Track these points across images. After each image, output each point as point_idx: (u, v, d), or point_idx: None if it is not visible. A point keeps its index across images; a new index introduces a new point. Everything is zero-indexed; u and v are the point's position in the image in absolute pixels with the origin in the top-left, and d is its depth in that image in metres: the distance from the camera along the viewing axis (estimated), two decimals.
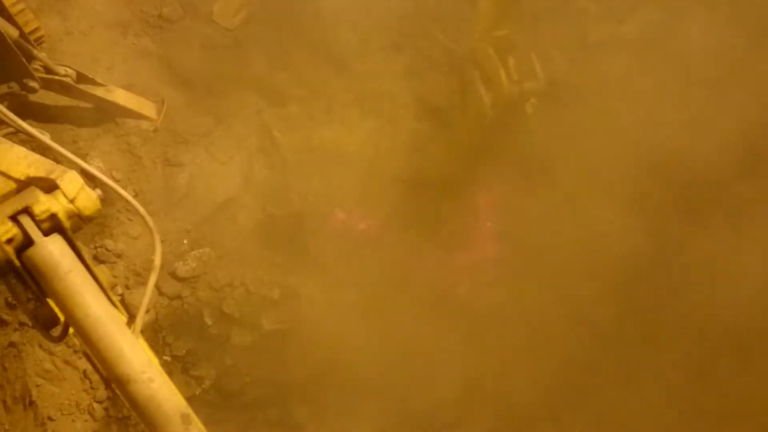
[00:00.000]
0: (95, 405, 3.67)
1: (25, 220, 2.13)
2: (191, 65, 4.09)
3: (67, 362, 3.64)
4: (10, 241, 2.08)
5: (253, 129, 4.14)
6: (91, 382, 3.67)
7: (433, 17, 4.44)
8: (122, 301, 3.73)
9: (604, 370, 4.18)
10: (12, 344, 3.59)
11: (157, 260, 2.46)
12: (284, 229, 4.06)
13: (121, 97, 3.79)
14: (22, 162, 2.27)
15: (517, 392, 4.11)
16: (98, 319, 2.17)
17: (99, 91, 3.71)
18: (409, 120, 4.38)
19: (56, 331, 2.35)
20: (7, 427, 3.53)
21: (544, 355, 4.21)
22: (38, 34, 3.56)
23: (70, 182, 2.23)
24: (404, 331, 4.12)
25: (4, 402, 3.56)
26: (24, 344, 3.59)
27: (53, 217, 2.18)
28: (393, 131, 4.30)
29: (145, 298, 2.40)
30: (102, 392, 3.68)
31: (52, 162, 2.29)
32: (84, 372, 3.66)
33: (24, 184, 2.23)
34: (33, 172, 2.25)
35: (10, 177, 2.22)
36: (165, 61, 4.05)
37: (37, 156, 2.30)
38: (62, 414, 3.61)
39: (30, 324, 3.58)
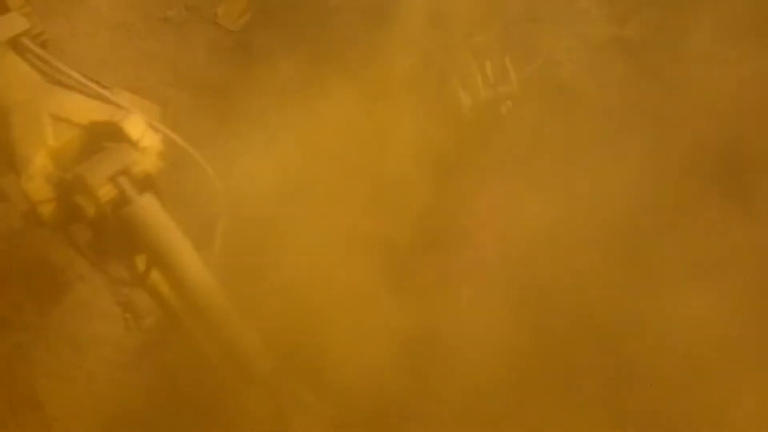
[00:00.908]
0: (101, 405, 3.68)
1: (122, 180, 2.22)
2: (196, 67, 4.12)
3: (73, 363, 3.66)
4: (103, 201, 2.21)
5: (258, 131, 4.16)
6: (97, 383, 3.69)
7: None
8: (128, 303, 3.74)
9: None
10: (18, 345, 3.61)
11: (222, 205, 2.58)
12: (288, 230, 4.07)
13: (125, 99, 3.79)
14: (83, 107, 2.38)
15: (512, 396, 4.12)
16: (197, 274, 2.47)
17: (103, 94, 3.72)
18: (411, 121, 4.40)
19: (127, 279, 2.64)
20: (13, 427, 3.55)
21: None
22: (43, 37, 3.57)
23: (134, 125, 2.35)
24: (405, 331, 4.13)
25: (10, 403, 3.57)
26: (30, 345, 3.61)
27: (147, 176, 2.30)
28: (396, 132, 4.31)
29: (217, 240, 2.64)
30: (108, 392, 3.70)
31: (112, 106, 2.35)
32: (90, 372, 3.68)
33: (87, 129, 2.33)
34: (96, 117, 2.36)
35: (73, 123, 2.32)
36: (170, 64, 4.08)
37: (96, 101, 2.37)
38: (68, 414, 3.62)
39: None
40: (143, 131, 2.36)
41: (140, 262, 2.49)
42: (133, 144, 2.31)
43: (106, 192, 2.19)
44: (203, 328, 2.62)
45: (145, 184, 2.29)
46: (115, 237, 2.34)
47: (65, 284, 3.70)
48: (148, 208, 2.28)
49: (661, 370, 4.00)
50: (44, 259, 3.70)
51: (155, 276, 2.55)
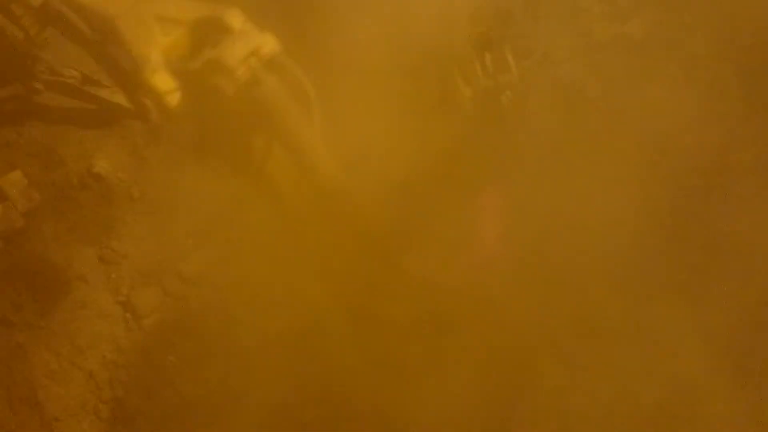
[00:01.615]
0: (101, 405, 3.68)
1: (253, 61, 2.47)
2: None
3: (73, 363, 3.66)
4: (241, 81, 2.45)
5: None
6: (97, 383, 3.69)
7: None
8: (128, 302, 3.76)
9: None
10: (18, 345, 3.61)
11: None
12: (291, 229, 4.06)
13: (125, 98, 3.79)
14: (185, 6, 2.60)
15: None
16: (317, 146, 2.76)
17: (104, 93, 3.72)
18: (412, 119, 4.38)
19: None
20: (13, 427, 3.55)
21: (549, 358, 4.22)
22: (43, 36, 3.58)
23: (235, 17, 2.55)
24: (406, 331, 4.13)
25: (10, 403, 3.58)
26: (30, 345, 3.61)
27: (272, 57, 2.53)
28: (398, 131, 4.30)
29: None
30: (108, 392, 3.70)
31: (210, 3, 2.63)
32: (90, 372, 3.68)
33: (192, 26, 2.57)
34: (199, 14, 2.59)
35: (178, 21, 2.56)
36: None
37: (196, 0, 2.64)
38: (68, 414, 3.62)
39: None
40: (244, 22, 2.54)
41: (258, 144, 2.72)
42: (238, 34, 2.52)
43: (242, 73, 2.43)
44: (314, 207, 2.92)
45: (271, 65, 2.50)
46: (236, 122, 2.61)
47: (65, 284, 3.70)
48: (276, 87, 2.51)
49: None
50: (45, 259, 3.71)
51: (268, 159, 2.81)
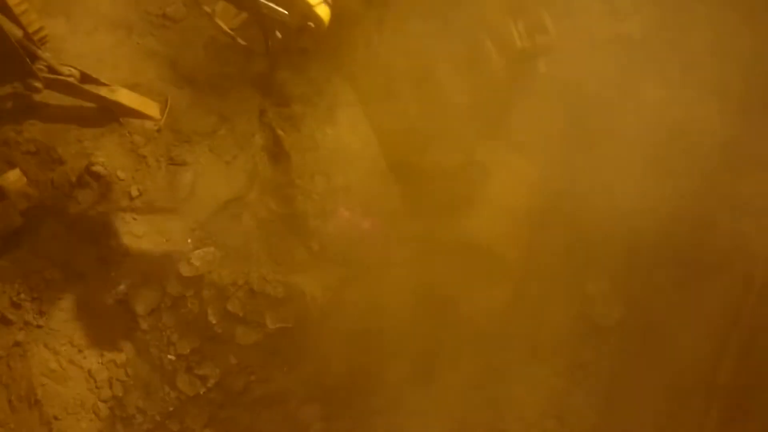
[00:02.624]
0: (100, 404, 3.69)
1: None
2: (195, 65, 4.09)
3: (72, 362, 3.66)
4: None
5: (257, 128, 4.15)
6: (95, 382, 3.70)
7: None
8: (127, 301, 3.76)
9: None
10: (17, 344, 3.61)
11: None
12: (289, 228, 4.07)
13: (124, 96, 3.79)
14: None
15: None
16: None
17: (103, 91, 3.71)
18: (411, 114, 4.38)
19: None
20: (12, 426, 3.55)
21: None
22: (42, 34, 3.57)
23: None
24: (409, 330, 4.14)
25: (10, 401, 3.58)
26: (29, 343, 3.61)
27: None
28: (396, 126, 4.30)
29: None
30: (107, 391, 3.71)
31: None
32: (89, 371, 3.69)
33: None
34: None
35: None
36: (169, 61, 4.05)
37: None
38: (67, 413, 3.63)
39: None
40: None
41: None
42: None
43: None
44: None
45: None
46: None
47: (65, 283, 3.70)
48: None
49: None
50: (43, 258, 3.70)
51: None
